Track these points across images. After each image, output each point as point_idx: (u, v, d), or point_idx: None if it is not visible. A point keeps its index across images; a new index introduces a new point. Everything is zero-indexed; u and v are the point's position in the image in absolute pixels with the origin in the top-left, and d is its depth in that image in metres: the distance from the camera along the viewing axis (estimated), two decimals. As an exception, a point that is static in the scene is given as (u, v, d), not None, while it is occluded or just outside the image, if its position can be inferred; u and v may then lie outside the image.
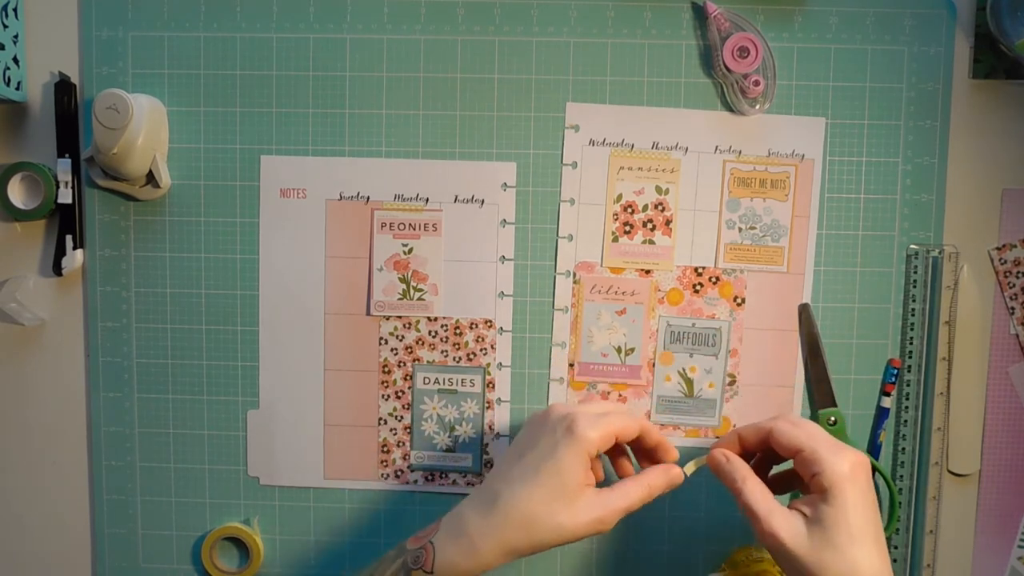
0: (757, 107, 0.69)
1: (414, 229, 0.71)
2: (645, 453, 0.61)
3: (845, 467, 0.53)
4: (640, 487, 0.57)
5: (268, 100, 0.71)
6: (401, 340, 0.72)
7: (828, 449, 0.54)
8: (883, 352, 0.71)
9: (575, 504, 0.55)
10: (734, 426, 0.72)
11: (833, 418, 0.67)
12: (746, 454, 0.60)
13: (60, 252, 0.71)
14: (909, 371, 0.71)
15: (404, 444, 0.72)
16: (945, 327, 0.71)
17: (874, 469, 0.71)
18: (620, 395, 0.71)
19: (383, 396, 0.72)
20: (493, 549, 0.55)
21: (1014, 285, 0.71)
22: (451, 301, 0.71)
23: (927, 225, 0.70)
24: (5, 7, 0.68)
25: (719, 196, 0.70)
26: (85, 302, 0.73)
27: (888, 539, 0.72)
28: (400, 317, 0.72)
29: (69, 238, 0.71)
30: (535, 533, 0.55)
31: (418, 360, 0.72)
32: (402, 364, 0.72)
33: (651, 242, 0.71)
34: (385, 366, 0.72)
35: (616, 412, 0.58)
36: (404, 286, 0.71)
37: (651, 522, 0.72)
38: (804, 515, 0.54)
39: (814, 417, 0.69)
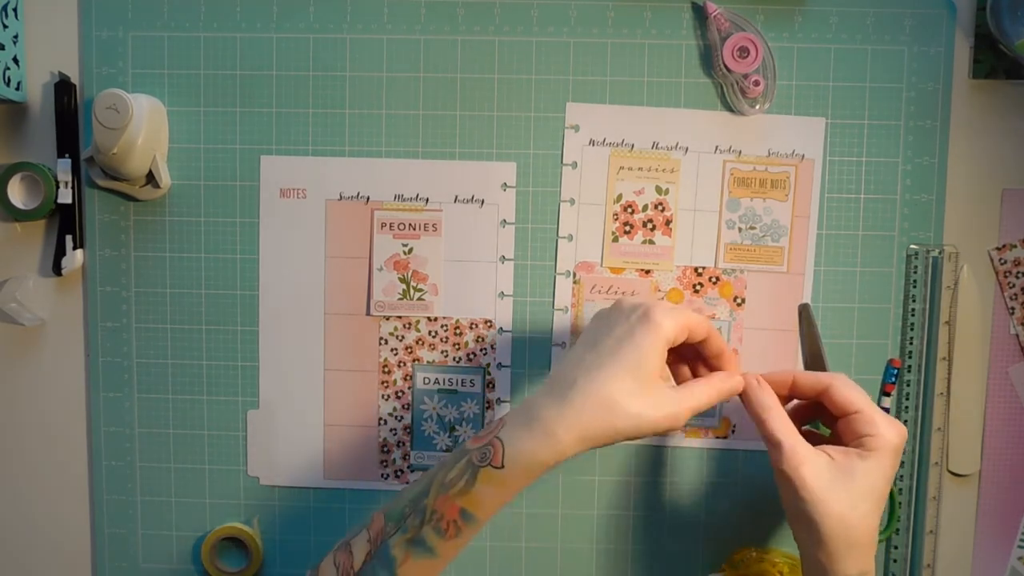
0: (757, 107, 0.69)
1: (414, 229, 0.71)
2: (705, 361, 0.60)
3: (897, 439, 0.56)
4: (709, 389, 0.57)
5: (268, 100, 0.71)
6: (401, 340, 0.72)
7: (884, 417, 0.57)
8: (883, 352, 0.71)
9: (652, 395, 0.54)
10: (734, 427, 0.72)
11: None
12: (783, 398, 0.60)
13: (60, 252, 0.71)
14: (909, 371, 0.71)
15: (404, 444, 0.72)
16: (945, 327, 0.71)
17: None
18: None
19: (383, 396, 0.72)
20: (570, 434, 0.53)
21: (1014, 285, 0.71)
22: (451, 301, 0.71)
23: (927, 225, 0.70)
24: (5, 7, 0.68)
25: (719, 196, 0.70)
26: (85, 302, 0.73)
27: (888, 539, 0.72)
28: (400, 317, 0.72)
29: (69, 238, 0.71)
30: (614, 419, 0.53)
31: (418, 360, 0.72)
32: (402, 364, 0.72)
33: (651, 242, 0.71)
34: (385, 366, 0.72)
35: (686, 309, 0.58)
36: (404, 286, 0.71)
37: (651, 522, 0.72)
38: (831, 457, 0.56)
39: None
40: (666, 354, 0.55)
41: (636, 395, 0.53)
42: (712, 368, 0.60)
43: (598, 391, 0.53)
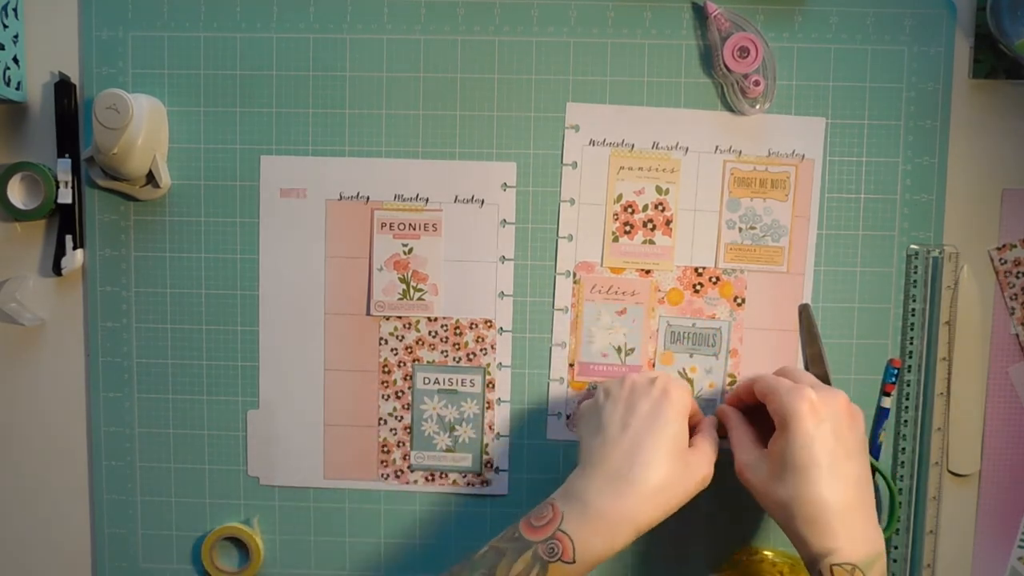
0: (757, 107, 0.69)
1: (414, 229, 0.71)
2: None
3: (801, 406, 0.57)
4: (713, 438, 0.63)
5: (268, 100, 0.71)
6: (401, 340, 0.72)
7: (787, 390, 0.58)
8: (883, 352, 0.71)
9: (690, 465, 0.59)
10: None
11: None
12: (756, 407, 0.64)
13: (60, 252, 0.71)
14: (909, 371, 0.71)
15: (404, 444, 0.72)
16: (945, 327, 0.70)
17: (874, 469, 0.71)
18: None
19: (383, 396, 0.72)
20: (630, 529, 0.56)
21: (1014, 285, 0.71)
22: (451, 301, 0.71)
23: (927, 225, 0.70)
24: (5, 7, 0.68)
25: (719, 196, 0.70)
26: (85, 302, 0.73)
27: (888, 539, 0.72)
28: (400, 317, 0.72)
29: (69, 238, 0.71)
30: (667, 503, 0.57)
31: (418, 360, 0.72)
32: (402, 364, 0.72)
33: (651, 242, 0.71)
34: (385, 366, 0.72)
35: (683, 381, 0.66)
36: (404, 286, 0.71)
37: (651, 522, 0.72)
38: (769, 452, 0.59)
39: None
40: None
41: (679, 472, 0.58)
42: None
43: (650, 482, 0.57)
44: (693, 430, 0.64)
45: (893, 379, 0.70)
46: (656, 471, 0.57)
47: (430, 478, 0.73)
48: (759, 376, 0.63)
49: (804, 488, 0.56)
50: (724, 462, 0.71)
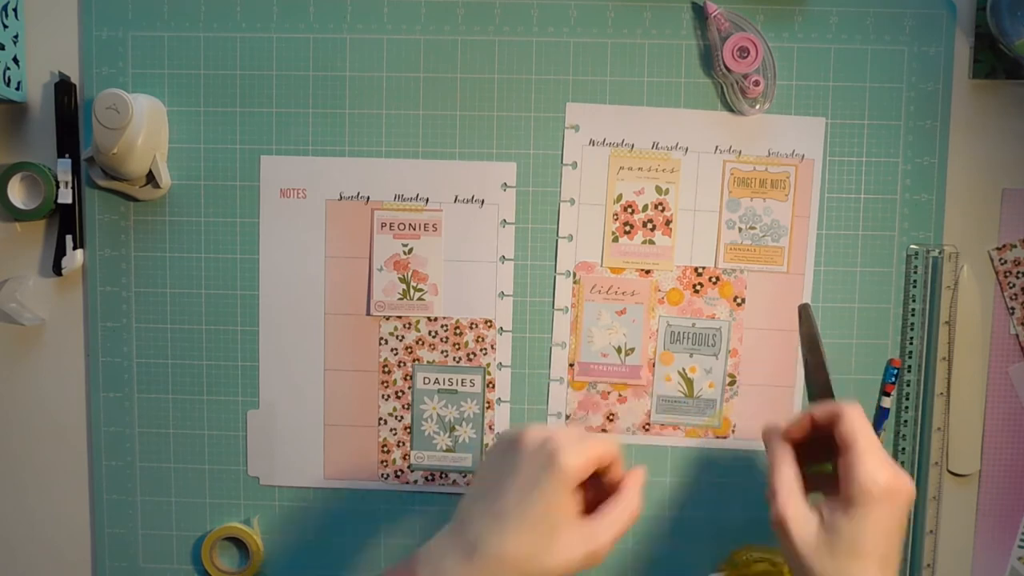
0: (757, 107, 0.69)
1: (414, 229, 0.71)
2: (611, 484, 0.55)
3: (879, 485, 0.51)
4: (625, 508, 0.53)
5: (268, 100, 0.71)
6: (401, 340, 0.72)
7: (875, 460, 0.52)
8: (883, 352, 0.71)
9: (562, 542, 0.51)
10: (734, 427, 0.72)
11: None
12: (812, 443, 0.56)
13: (60, 252, 0.71)
14: (909, 371, 0.71)
15: (404, 444, 0.72)
16: (945, 327, 0.70)
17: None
18: (620, 395, 0.72)
19: (383, 396, 0.72)
20: None
21: (1014, 285, 0.71)
22: (451, 301, 0.71)
23: (927, 225, 0.70)
24: (5, 7, 0.68)
25: (719, 196, 0.70)
26: (85, 302, 0.73)
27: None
28: (400, 317, 0.72)
29: (69, 238, 0.71)
30: None
31: (418, 360, 0.72)
32: (402, 364, 0.72)
33: (651, 242, 0.71)
34: (385, 366, 0.72)
35: (593, 439, 0.53)
36: (404, 286, 0.71)
37: (651, 522, 0.72)
38: (821, 516, 0.53)
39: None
40: (573, 493, 0.52)
41: (544, 550, 0.50)
42: (611, 485, 0.55)
43: (503, 555, 0.50)
44: (615, 487, 0.55)
45: (893, 379, 0.70)
46: (510, 547, 0.50)
47: (430, 478, 0.73)
48: (847, 413, 0.53)
49: (866, 573, 0.51)
50: (736, 463, 0.71)
